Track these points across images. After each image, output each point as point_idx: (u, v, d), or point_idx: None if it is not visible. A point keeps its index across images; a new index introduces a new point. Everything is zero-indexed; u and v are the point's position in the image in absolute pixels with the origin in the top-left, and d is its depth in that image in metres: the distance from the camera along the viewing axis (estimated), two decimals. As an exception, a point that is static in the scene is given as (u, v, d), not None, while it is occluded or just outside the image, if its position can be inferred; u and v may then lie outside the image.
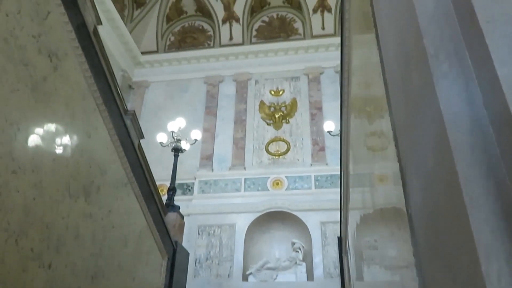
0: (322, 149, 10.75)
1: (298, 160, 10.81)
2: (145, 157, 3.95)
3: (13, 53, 2.08)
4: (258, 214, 9.79)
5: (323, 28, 12.85)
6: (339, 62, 3.08)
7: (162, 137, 8.66)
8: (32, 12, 2.28)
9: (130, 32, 12.72)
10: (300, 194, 9.98)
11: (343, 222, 4.61)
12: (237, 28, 13.31)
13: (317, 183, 10.15)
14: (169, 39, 13.98)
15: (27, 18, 2.23)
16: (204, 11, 13.89)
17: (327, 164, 10.45)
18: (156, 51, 13.56)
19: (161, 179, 9.59)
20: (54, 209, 2.39)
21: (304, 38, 13.03)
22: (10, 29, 2.07)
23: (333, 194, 9.01)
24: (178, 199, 8.97)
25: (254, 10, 13.59)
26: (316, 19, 12.94)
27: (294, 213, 9.65)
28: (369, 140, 1.89)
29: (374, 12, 1.41)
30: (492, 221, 0.55)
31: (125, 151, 3.39)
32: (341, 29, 2.69)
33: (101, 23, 3.10)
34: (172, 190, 6.82)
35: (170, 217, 5.31)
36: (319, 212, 9.45)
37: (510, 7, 0.60)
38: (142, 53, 13.28)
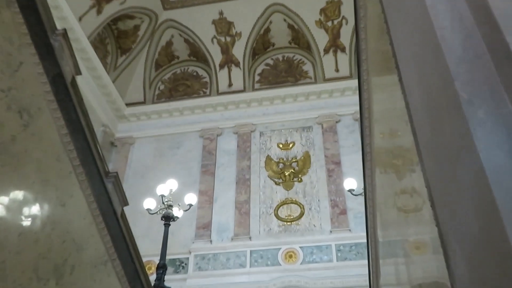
0: (343, 212, 10.74)
1: (314, 226, 10.79)
2: (130, 228, 3.90)
3: (-22, 110, 2.09)
4: (268, 295, 9.66)
5: (337, 70, 13.18)
6: (358, 108, 3.13)
7: (150, 203, 8.70)
8: (2, 63, 2.35)
9: (113, 82, 12.98)
10: (319, 269, 9.86)
11: (375, 303, 4.51)
12: (237, 73, 13.69)
13: (339, 254, 10.07)
14: (159, 88, 14.33)
15: (-4, 70, 2.28)
16: (198, 56, 14.27)
17: (350, 230, 10.43)
18: (143, 102, 13.88)
19: (149, 254, 9.58)
20: (19, 296, 2.33)
21: (316, 82, 13.38)
22: (-25, 83, 2.11)
23: (360, 268, 8.85)
24: (170, 279, 8.75)
25: (256, 53, 14.04)
26: (328, 60, 13.29)
27: (313, 292, 9.52)
28: (399, 199, 1.88)
29: (394, 52, 1.44)
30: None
31: (105, 221, 3.38)
32: (358, 71, 2.76)
33: (80, 73, 3.18)
34: (162, 268, 6.90)
35: (160, 302, 5.24)
36: (344, 291, 9.35)
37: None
38: (127, 104, 13.57)
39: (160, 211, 8.37)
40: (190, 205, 8.71)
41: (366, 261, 4.65)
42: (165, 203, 8.28)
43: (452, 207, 0.87)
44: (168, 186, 8.52)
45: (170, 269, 9.85)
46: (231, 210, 11.31)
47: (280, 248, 10.40)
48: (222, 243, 10.75)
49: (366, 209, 3.79)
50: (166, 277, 7.31)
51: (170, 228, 8.42)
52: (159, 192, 8.43)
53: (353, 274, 9.27)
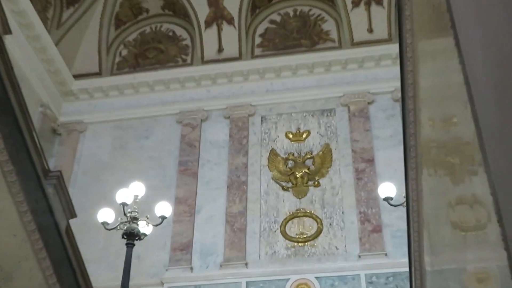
0: (377, 229, 10.74)
1: (337, 248, 10.77)
2: (78, 249, 3.89)
3: None
4: None
5: (370, 31, 13.19)
6: (399, 84, 3.13)
7: (107, 215, 8.60)
8: None
9: (57, 44, 12.89)
10: (342, 309, 9.89)
11: None
12: (230, 34, 13.58)
13: (371, 288, 10.03)
14: (120, 54, 14.30)
15: None
16: (176, 8, 14.16)
17: (386, 254, 10.45)
18: (98, 74, 13.77)
19: (105, 285, 9.46)
20: None
21: (341, 46, 13.39)
22: None
23: (399, 307, 8.89)
24: (134, 322, 8.82)
25: (256, 5, 13.97)
26: (358, 16, 13.21)
27: None
28: (455, 212, 1.91)
29: (450, 5, 1.43)
30: None
31: (44, 239, 3.34)
32: (400, 33, 2.75)
33: (10, 32, 3.13)
34: (123, 306, 6.60)
35: None
36: None
37: None
38: (76, 76, 13.47)
39: (121, 226, 8.31)
40: (163, 218, 8.65)
41: (408, 298, 4.64)
42: (128, 214, 8.21)
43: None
44: (132, 191, 8.46)
45: (134, 308, 9.52)
46: (220, 225, 11.28)
47: (288, 279, 10.36)
48: (208, 271, 10.72)
49: (409, 226, 3.85)
50: (128, 319, 7.27)
51: (135, 249, 8.35)
52: (119, 199, 8.34)
53: (390, 316, 9.35)
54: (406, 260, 4.34)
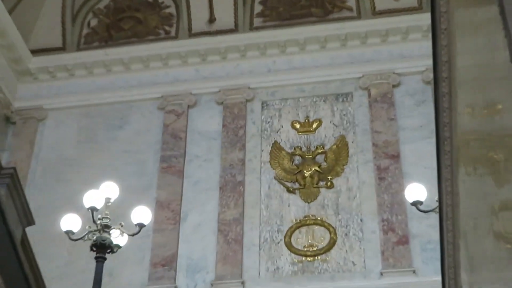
0: (404, 240, 10.74)
1: (354, 264, 10.80)
2: (37, 262, 3.87)
3: None
4: None
5: (395, -3, 13.08)
6: (431, 62, 3.18)
7: (71, 222, 8.58)
8: None
9: (10, 12, 12.78)
10: None
11: None
12: (224, 0, 13.50)
13: (395, 313, 10.12)
14: (88, 25, 14.21)
15: None
16: (157, -32, 14.16)
17: (414, 271, 10.45)
18: (62, 49, 13.78)
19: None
20: None
21: (359, 17, 13.40)
22: None
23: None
24: None
25: (257, -36, 13.90)
26: (381, -21, 13.28)
27: None
28: (499, 220, 1.93)
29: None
30: None
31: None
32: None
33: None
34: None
35: None
36: None
37: None
38: (34, 52, 13.43)
39: (90, 236, 8.31)
40: (141, 226, 8.65)
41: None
42: (98, 222, 8.22)
43: None
44: (103, 193, 8.47)
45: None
46: (211, 235, 11.31)
47: None
48: None
49: (442, 237, 3.89)
50: None
51: (107, 264, 8.35)
52: (87, 203, 8.35)
53: None
54: (439, 278, 4.44)
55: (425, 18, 10.96)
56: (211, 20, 13.58)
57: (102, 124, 12.76)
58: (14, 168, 3.72)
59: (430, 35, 3.04)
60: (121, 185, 9.08)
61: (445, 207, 3.58)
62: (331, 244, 10.98)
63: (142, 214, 8.70)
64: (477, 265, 3.21)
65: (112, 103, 12.93)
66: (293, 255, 10.98)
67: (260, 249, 11.11)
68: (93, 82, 13.30)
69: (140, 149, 12.37)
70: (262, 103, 12.62)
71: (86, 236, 8.39)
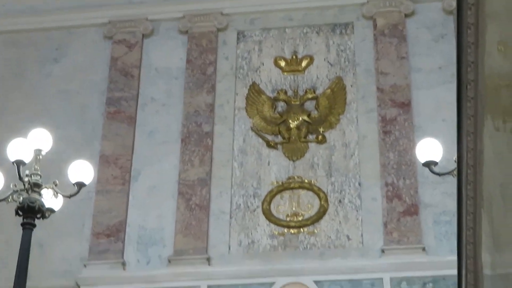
0: (412, 210, 10.65)
1: (349, 238, 10.77)
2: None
3: None
4: None
5: None
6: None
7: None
8: None
9: None
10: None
11: None
12: None
13: (399, 299, 10.37)
14: None
15: None
16: None
17: (424, 249, 10.42)
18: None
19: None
20: None
21: None
22: None
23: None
24: None
25: None
26: None
27: None
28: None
29: None
30: None
31: None
32: None
33: None
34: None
35: None
36: None
37: None
38: None
39: (15, 197, 8.01)
40: (81, 186, 8.31)
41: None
42: (26, 179, 7.89)
43: None
44: (32, 144, 8.06)
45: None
46: (170, 199, 11.22)
47: (273, 283, 10.43)
48: (149, 269, 10.73)
49: (461, 206, 4.01)
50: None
51: (37, 233, 8.29)
52: (12, 155, 7.99)
53: None
54: (454, 258, 4.65)
55: None
56: None
57: (32, 56, 12.64)
58: None
59: None
60: (55, 133, 8.89)
61: (466, 169, 3.65)
62: (321, 213, 10.91)
63: (82, 170, 8.40)
64: (504, 243, 3.16)
65: (45, 29, 12.80)
66: (272, 226, 10.93)
67: (231, 218, 11.08)
68: (20, 2, 12.97)
69: (81, 88, 12.24)
70: (238, 34, 12.36)
71: (11, 197, 8.17)
